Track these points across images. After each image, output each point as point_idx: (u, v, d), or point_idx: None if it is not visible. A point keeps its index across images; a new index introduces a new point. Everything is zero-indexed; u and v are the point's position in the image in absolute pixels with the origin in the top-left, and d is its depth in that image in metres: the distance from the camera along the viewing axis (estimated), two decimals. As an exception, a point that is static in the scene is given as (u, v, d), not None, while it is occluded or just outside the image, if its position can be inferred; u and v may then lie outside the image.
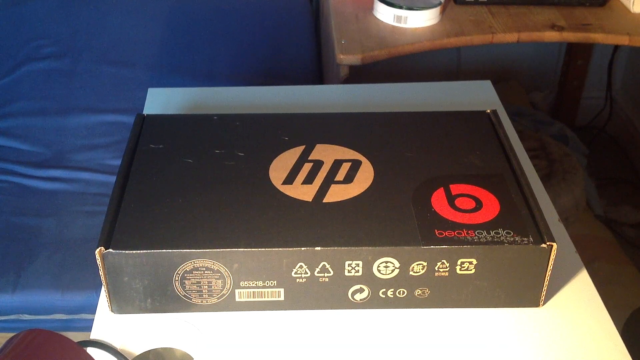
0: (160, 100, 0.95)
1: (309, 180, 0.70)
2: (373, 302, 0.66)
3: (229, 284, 0.64)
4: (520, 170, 0.71)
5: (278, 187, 0.69)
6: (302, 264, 0.63)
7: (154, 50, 1.57)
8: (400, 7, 1.29)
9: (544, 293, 0.66)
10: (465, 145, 0.75)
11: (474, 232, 0.64)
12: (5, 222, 1.26)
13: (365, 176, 0.70)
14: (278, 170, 0.71)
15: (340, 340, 0.65)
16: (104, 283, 0.64)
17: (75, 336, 0.58)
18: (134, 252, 0.62)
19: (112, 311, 0.66)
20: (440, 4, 1.31)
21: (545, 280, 0.65)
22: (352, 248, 0.62)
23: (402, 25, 1.30)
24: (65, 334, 0.54)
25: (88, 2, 1.64)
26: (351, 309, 0.67)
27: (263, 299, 0.65)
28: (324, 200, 0.67)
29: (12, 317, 1.20)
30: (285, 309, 0.66)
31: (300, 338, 0.65)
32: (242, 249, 0.62)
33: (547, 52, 2.11)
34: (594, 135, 2.16)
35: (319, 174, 0.71)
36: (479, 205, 0.67)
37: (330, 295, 0.65)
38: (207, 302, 0.65)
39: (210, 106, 0.94)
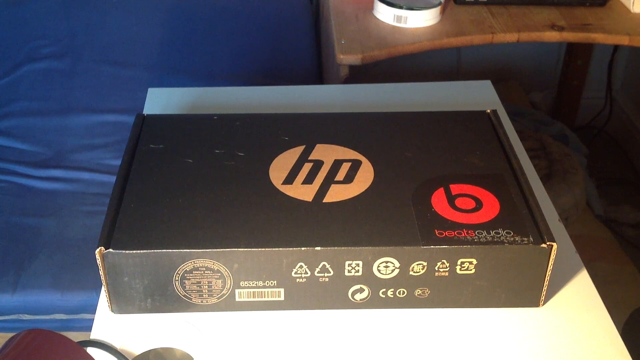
0: (160, 100, 0.95)
1: (309, 180, 0.70)
2: (373, 302, 0.66)
3: (229, 284, 0.64)
4: (520, 170, 0.71)
5: (278, 187, 0.69)
6: (302, 264, 0.63)
7: (154, 50, 1.56)
8: (400, 7, 1.29)
9: (544, 293, 0.66)
10: (465, 145, 0.75)
11: (474, 232, 0.64)
12: (5, 222, 1.26)
13: (365, 176, 0.70)
14: (278, 170, 0.71)
15: (340, 340, 0.64)
16: (104, 283, 0.64)
17: (75, 336, 0.58)
18: (134, 252, 0.62)
19: (112, 311, 0.66)
20: (440, 4, 1.31)
21: (545, 280, 0.65)
22: (352, 248, 0.62)
23: (402, 25, 1.30)
24: (65, 334, 0.54)
25: (88, 2, 1.64)
26: (351, 309, 0.66)
27: (263, 299, 0.65)
28: (324, 200, 0.67)
29: (12, 317, 1.20)
30: (285, 309, 0.66)
31: (300, 338, 0.65)
32: (242, 249, 0.62)
33: (547, 52, 2.11)
34: (594, 135, 2.16)
35: (319, 174, 0.71)
36: (479, 205, 0.67)
37: (330, 295, 0.65)
38: (207, 302, 0.65)
39: (210, 106, 0.94)
